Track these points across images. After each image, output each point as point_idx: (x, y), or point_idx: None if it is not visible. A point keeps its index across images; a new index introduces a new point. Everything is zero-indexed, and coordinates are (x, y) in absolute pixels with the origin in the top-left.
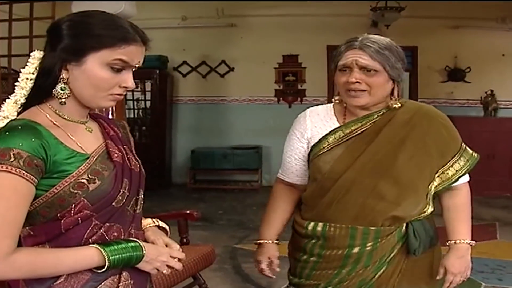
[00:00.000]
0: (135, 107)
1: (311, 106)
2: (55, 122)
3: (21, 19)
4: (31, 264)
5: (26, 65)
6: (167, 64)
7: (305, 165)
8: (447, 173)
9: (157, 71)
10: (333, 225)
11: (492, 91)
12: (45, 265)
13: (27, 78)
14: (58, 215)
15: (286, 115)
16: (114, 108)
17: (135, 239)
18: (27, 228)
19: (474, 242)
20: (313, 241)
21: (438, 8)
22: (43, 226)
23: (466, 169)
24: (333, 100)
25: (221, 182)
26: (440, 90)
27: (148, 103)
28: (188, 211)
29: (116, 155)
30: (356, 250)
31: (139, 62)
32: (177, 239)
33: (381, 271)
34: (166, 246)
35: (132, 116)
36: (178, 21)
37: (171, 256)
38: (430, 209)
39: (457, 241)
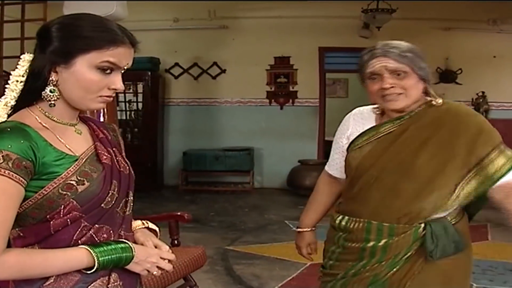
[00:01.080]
0: (127, 109)
1: (303, 108)
2: (44, 124)
3: (12, 21)
4: (20, 265)
5: (16, 68)
6: (158, 66)
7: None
8: (487, 170)
9: (149, 73)
10: (353, 219)
11: (483, 92)
12: (34, 266)
13: (17, 81)
14: (48, 216)
15: (278, 117)
16: (105, 110)
17: (124, 240)
18: (16, 229)
19: None
20: (340, 233)
21: (429, 10)
22: (32, 227)
23: (508, 167)
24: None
25: (213, 184)
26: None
27: (140, 105)
28: (179, 213)
29: (105, 157)
30: (370, 244)
31: (127, 64)
32: (168, 241)
33: (395, 269)
34: (156, 247)
35: (124, 118)
36: (170, 23)
37: (161, 257)
38: (453, 212)
39: None
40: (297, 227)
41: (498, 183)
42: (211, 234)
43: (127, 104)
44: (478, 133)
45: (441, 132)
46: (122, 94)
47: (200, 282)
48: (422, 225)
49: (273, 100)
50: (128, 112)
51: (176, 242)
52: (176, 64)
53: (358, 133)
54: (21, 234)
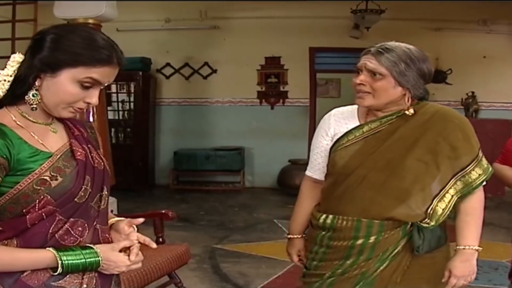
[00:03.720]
0: (120, 108)
1: (293, 108)
2: (19, 123)
3: (3, 21)
4: None
5: (6, 67)
6: (150, 66)
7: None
8: (470, 176)
9: (140, 73)
10: (341, 217)
11: (473, 92)
12: (1, 263)
13: (5, 80)
14: (24, 210)
15: (269, 117)
16: (95, 109)
17: (90, 245)
18: None
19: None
20: (323, 232)
21: (419, 11)
22: (10, 221)
23: (484, 177)
24: None
25: (204, 183)
26: None
27: (132, 105)
28: (163, 211)
29: (79, 153)
30: (359, 242)
31: (109, 81)
32: (153, 238)
33: (383, 266)
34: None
35: (116, 118)
36: (161, 23)
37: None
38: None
39: (464, 247)
40: (288, 234)
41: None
42: (200, 233)
43: (120, 104)
44: (463, 140)
45: (430, 133)
46: (115, 94)
47: (187, 280)
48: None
49: (263, 100)
50: (120, 112)
51: (161, 240)
52: (168, 64)
53: (342, 133)
54: (0, 228)
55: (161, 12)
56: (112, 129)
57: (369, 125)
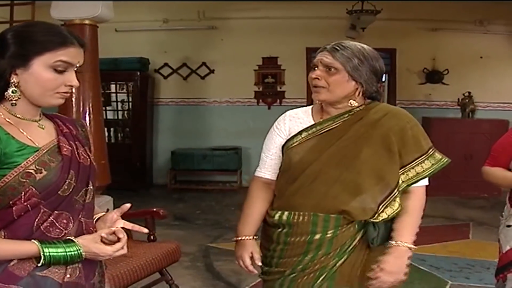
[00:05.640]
0: (119, 108)
1: (290, 108)
2: (7, 120)
3: (1, 22)
4: None
5: None
6: (148, 66)
7: (281, 159)
8: (408, 174)
9: (138, 73)
10: (297, 213)
11: (469, 93)
12: None
13: None
14: (10, 202)
15: (266, 117)
16: (91, 109)
17: (72, 238)
18: None
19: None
20: (279, 229)
21: (416, 11)
22: None
23: (428, 173)
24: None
25: (201, 182)
26: (418, 92)
27: (130, 105)
28: (154, 209)
29: (65, 149)
30: (317, 236)
31: (79, 62)
32: (144, 236)
33: (342, 260)
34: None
35: (115, 117)
36: (159, 24)
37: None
38: (396, 205)
39: (398, 243)
40: (237, 236)
41: (412, 186)
42: (195, 231)
43: (119, 104)
44: (412, 139)
45: (382, 129)
46: (114, 94)
47: (180, 278)
48: None
49: (261, 100)
50: (119, 112)
51: (152, 237)
52: (166, 64)
53: (296, 131)
54: None
55: (159, 12)
56: (111, 129)
57: (322, 124)
